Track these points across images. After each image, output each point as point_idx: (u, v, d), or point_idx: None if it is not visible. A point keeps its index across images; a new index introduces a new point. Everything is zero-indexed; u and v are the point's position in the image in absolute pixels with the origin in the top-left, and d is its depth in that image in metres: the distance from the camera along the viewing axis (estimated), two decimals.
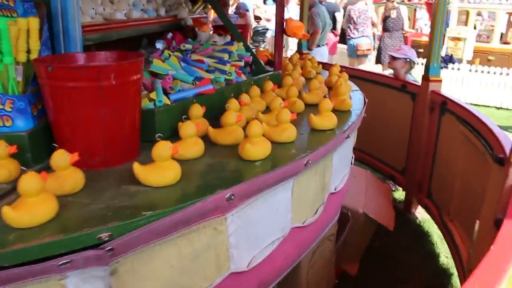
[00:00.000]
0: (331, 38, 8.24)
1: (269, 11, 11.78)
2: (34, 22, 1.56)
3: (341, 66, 2.98)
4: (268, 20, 10.95)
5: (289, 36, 2.55)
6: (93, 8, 2.01)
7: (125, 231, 1.23)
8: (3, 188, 1.41)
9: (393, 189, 4.26)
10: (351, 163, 2.44)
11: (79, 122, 1.50)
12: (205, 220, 1.40)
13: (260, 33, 10.44)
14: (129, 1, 2.31)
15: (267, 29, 10.13)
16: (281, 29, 2.56)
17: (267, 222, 1.65)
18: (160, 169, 1.43)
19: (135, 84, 1.57)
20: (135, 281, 1.31)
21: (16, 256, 1.11)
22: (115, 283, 1.26)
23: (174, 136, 1.75)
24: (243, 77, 2.40)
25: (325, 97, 2.03)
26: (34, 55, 1.61)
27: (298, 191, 1.77)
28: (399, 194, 4.25)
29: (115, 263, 1.24)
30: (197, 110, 1.86)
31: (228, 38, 2.88)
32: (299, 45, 4.67)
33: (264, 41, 10.15)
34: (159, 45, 2.50)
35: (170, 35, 2.73)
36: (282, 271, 1.84)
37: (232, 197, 1.42)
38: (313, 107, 2.15)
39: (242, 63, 2.41)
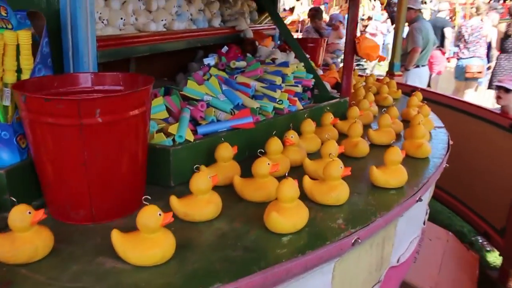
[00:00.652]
0: (438, 56, 7.33)
1: (373, 25, 11.13)
2: (24, 36, 1.26)
3: (432, 93, 2.44)
4: (373, 35, 10.17)
5: (361, 57, 2.06)
6: (122, 18, 1.69)
7: None
8: None
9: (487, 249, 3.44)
10: (424, 222, 1.89)
11: (59, 165, 1.16)
12: None
13: None
14: (171, 10, 1.96)
15: None
16: (352, 48, 2.07)
17: None
18: (145, 242, 1.04)
19: (136, 120, 1.20)
20: None
21: None
22: None
23: None
24: (299, 106, 1.95)
25: (391, 145, 1.53)
26: (25, 76, 1.30)
27: (342, 273, 1.30)
28: (494, 257, 3.40)
29: None
30: (225, 151, 1.46)
31: (293, 55, 2.45)
32: (391, 64, 4.01)
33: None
34: (209, 60, 2.13)
35: (225, 48, 2.36)
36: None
37: None
38: (381, 149, 1.64)
39: (299, 88, 1.97)
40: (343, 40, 7.56)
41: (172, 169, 1.42)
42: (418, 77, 5.15)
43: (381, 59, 2.10)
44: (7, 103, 1.30)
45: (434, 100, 3.44)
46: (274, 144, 1.54)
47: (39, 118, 1.10)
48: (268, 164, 1.35)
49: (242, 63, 2.09)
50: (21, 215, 1.02)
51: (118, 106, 1.14)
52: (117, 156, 1.19)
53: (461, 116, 3.14)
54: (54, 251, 1.08)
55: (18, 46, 1.27)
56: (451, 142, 2.01)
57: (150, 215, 1.04)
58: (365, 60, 9.84)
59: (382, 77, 3.29)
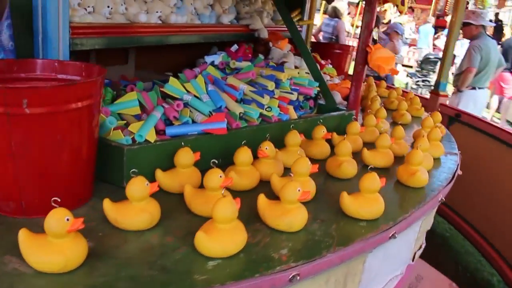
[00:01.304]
0: (508, 79, 6.70)
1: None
2: None
3: (481, 121, 2.14)
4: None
5: (372, 68, 1.86)
6: (109, 6, 1.61)
7: None
8: None
9: None
10: (413, 259, 1.67)
11: None
12: None
13: (430, 62, 9.23)
14: (170, 2, 1.86)
15: (439, 59, 8.61)
16: (363, 59, 1.88)
17: None
18: (50, 246, 0.96)
19: (78, 113, 1.12)
20: None
21: None
22: None
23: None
24: (292, 115, 1.80)
25: (369, 170, 1.34)
26: None
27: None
28: None
29: None
30: (185, 157, 1.35)
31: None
32: (437, 83, 3.52)
33: (434, 71, 8.84)
34: (213, 58, 2.02)
35: (234, 47, 2.24)
36: None
37: None
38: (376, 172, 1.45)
39: (294, 96, 1.81)
40: (401, 52, 6.94)
41: (126, 169, 1.33)
42: (472, 101, 4.54)
43: (394, 72, 1.90)
44: None
45: (481, 129, 3.08)
46: (243, 154, 1.41)
47: None
48: (220, 176, 1.22)
49: (244, 64, 1.96)
50: None
51: (51, 98, 1.06)
52: (54, 150, 1.12)
53: (495, 144, 2.81)
54: None
55: None
56: (459, 172, 1.78)
57: (56, 219, 0.95)
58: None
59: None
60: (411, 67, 11.03)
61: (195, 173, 1.37)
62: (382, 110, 2.09)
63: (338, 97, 2.20)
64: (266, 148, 1.47)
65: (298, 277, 1.07)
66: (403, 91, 2.93)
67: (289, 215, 1.19)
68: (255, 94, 1.67)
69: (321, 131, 1.70)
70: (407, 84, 9.60)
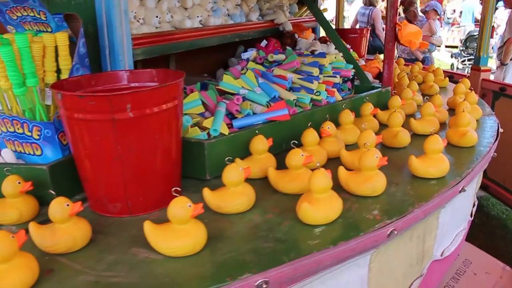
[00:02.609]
0: None
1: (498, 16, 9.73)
2: (62, 38, 1.30)
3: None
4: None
5: (402, 45, 1.96)
6: (157, 16, 1.70)
7: None
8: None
9: None
10: (471, 215, 1.76)
11: (95, 160, 1.19)
12: None
13: (475, 39, 8.50)
14: (207, 6, 1.95)
15: None
16: (393, 36, 1.98)
17: None
18: (176, 232, 1.04)
19: (167, 114, 1.20)
20: None
21: None
22: None
23: None
24: (337, 97, 1.89)
25: (431, 133, 1.44)
26: (64, 75, 1.35)
27: (380, 266, 1.24)
28: None
29: None
30: (259, 143, 1.44)
31: (333, 46, 2.38)
32: (476, 58, 3.31)
33: None
34: (248, 55, 2.12)
35: (264, 42, 2.33)
36: None
37: (265, 285, 0.98)
38: (424, 139, 1.54)
39: (337, 79, 1.91)
40: (439, 33, 6.57)
41: (207, 163, 1.42)
42: None
43: (423, 46, 1.99)
44: (49, 103, 1.35)
45: None
46: (310, 135, 1.50)
47: (75, 115, 1.13)
48: (302, 155, 1.31)
49: (281, 56, 2.05)
50: (60, 207, 1.05)
51: (148, 101, 1.14)
52: (150, 150, 1.20)
53: None
54: (92, 242, 1.11)
55: (56, 48, 1.31)
56: (501, 130, 1.87)
57: (180, 206, 1.04)
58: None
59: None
60: (456, 47, 10.28)
61: (271, 158, 1.46)
62: (414, 84, 2.18)
63: (370, 77, 2.30)
64: (328, 128, 1.56)
65: (395, 232, 1.16)
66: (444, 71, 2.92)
67: (372, 180, 1.28)
68: (304, 81, 1.76)
69: (368, 108, 1.80)
70: (452, 65, 9.04)
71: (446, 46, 9.96)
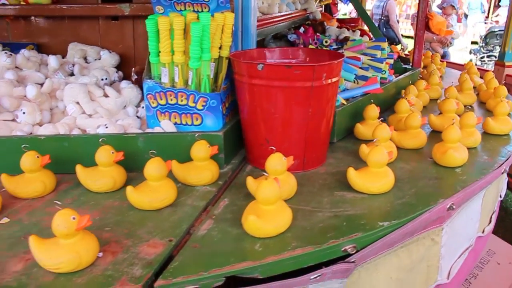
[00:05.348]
0: None
1: None
2: (230, 17, 1.48)
3: None
4: None
5: (433, 32, 2.38)
6: (263, 3, 1.91)
7: (366, 243, 1.13)
8: (209, 191, 1.34)
9: None
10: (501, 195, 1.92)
11: (283, 123, 1.40)
12: (425, 231, 1.28)
13: (495, 35, 8.60)
14: None
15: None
16: (423, 24, 2.39)
17: (463, 231, 1.51)
18: (377, 175, 1.31)
19: (335, 85, 1.45)
20: None
21: (269, 269, 1.02)
22: None
23: (346, 137, 1.70)
24: (393, 76, 2.25)
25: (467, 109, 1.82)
26: (225, 52, 1.53)
27: (487, 198, 1.62)
28: None
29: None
30: (374, 111, 1.74)
31: (358, 33, 2.73)
32: (501, 54, 3.38)
33: (499, 45, 7.73)
34: (294, 37, 2.38)
35: (302, 29, 2.61)
36: (460, 284, 1.70)
37: (453, 206, 1.30)
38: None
39: (391, 60, 2.27)
40: (457, 28, 5.54)
41: (336, 128, 1.69)
42: None
43: (448, 33, 2.42)
44: (165, 80, 1.50)
45: None
46: (402, 104, 1.82)
47: (275, 83, 1.34)
48: (419, 116, 1.64)
49: (330, 41, 2.36)
50: (279, 161, 1.26)
51: (332, 72, 1.39)
52: (323, 115, 1.44)
53: None
54: (296, 192, 1.32)
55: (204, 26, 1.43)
56: None
57: (381, 153, 1.31)
58: None
59: None
60: (476, 43, 10.03)
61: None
62: (439, 71, 2.59)
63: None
64: (412, 99, 1.91)
65: (453, 206, 1.31)
66: None
67: (474, 135, 1.65)
68: (374, 61, 2.09)
69: (423, 84, 2.18)
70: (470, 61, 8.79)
71: (472, 42, 9.42)
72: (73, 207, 1.18)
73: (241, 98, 1.46)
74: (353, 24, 3.49)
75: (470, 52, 9.03)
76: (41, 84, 1.65)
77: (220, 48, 1.52)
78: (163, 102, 1.51)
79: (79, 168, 1.34)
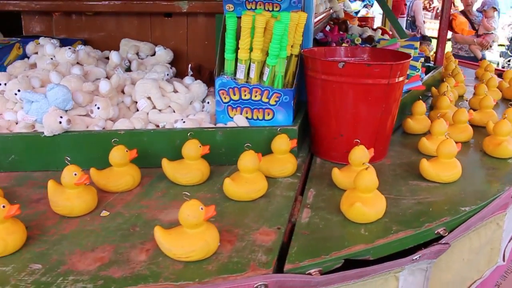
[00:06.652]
0: None
1: None
2: (303, 17, 1.56)
3: None
4: None
5: (456, 32, 2.53)
6: None
7: (452, 226, 1.24)
8: (292, 183, 1.43)
9: None
10: None
11: (357, 118, 1.50)
12: (493, 216, 1.41)
13: None
14: None
15: None
16: (446, 24, 2.53)
17: None
18: (448, 166, 1.43)
19: (403, 83, 1.56)
20: (436, 273, 1.33)
21: (379, 251, 1.12)
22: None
23: (395, 132, 1.82)
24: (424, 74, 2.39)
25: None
26: (296, 50, 1.61)
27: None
28: None
29: None
30: (422, 106, 1.86)
31: (379, 32, 2.86)
32: None
33: None
34: (320, 35, 2.49)
35: (328, 27, 2.71)
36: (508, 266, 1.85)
37: None
38: None
39: (423, 59, 2.40)
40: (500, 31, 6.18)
41: None
42: None
43: (469, 33, 2.57)
44: (241, 76, 1.57)
45: None
46: (444, 100, 1.95)
47: (356, 80, 1.43)
48: (467, 112, 1.77)
49: (359, 40, 2.48)
50: (363, 152, 1.36)
51: (402, 70, 1.49)
52: (390, 111, 1.55)
53: None
54: None
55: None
56: None
57: (450, 145, 1.42)
58: None
59: None
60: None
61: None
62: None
63: None
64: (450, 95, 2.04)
65: None
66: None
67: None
68: (412, 60, 2.21)
69: (452, 81, 2.32)
70: (497, 64, 8.29)
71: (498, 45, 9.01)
72: (167, 200, 1.25)
73: (312, 94, 1.55)
74: (364, 23, 3.63)
75: (501, 55, 8.72)
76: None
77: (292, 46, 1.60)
78: (236, 97, 1.57)
79: (165, 162, 1.39)
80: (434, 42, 3.07)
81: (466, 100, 2.33)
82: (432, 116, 1.94)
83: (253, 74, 1.55)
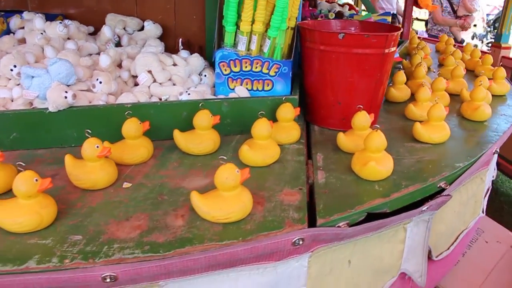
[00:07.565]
0: None
1: None
2: None
3: None
4: None
5: (421, 7, 2.68)
6: None
7: (450, 180, 1.37)
8: (299, 148, 1.51)
9: None
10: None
11: (353, 86, 1.59)
12: (478, 171, 1.56)
13: None
14: None
15: None
16: (412, 1, 2.69)
17: (492, 172, 1.84)
18: (438, 128, 1.56)
19: (391, 56, 1.66)
20: (433, 225, 1.46)
21: (395, 204, 1.23)
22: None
23: None
24: None
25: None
26: (292, 22, 1.67)
27: None
28: None
29: None
30: (402, 76, 1.99)
31: (347, 8, 2.97)
32: (497, 35, 3.30)
33: None
34: None
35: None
36: None
37: (497, 150, 1.60)
38: None
39: None
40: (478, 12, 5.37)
41: None
42: None
43: (433, 8, 2.74)
44: (242, 48, 1.62)
45: None
46: (420, 70, 2.11)
47: (353, 50, 1.51)
48: (485, 91, 1.93)
49: (328, 14, 2.58)
50: (365, 118, 1.46)
51: (395, 41, 1.60)
52: (383, 81, 1.65)
53: None
54: None
55: None
56: None
57: (439, 109, 1.56)
58: None
59: None
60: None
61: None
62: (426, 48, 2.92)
63: None
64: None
65: (497, 150, 1.80)
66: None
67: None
68: None
69: (422, 53, 2.48)
70: (475, 46, 7.73)
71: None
72: (184, 169, 1.30)
73: (310, 65, 1.62)
74: None
75: (473, 37, 8.31)
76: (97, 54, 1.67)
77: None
78: (236, 69, 1.62)
79: (177, 133, 1.42)
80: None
81: (434, 71, 2.51)
82: (411, 86, 2.09)
83: (254, 46, 1.59)
